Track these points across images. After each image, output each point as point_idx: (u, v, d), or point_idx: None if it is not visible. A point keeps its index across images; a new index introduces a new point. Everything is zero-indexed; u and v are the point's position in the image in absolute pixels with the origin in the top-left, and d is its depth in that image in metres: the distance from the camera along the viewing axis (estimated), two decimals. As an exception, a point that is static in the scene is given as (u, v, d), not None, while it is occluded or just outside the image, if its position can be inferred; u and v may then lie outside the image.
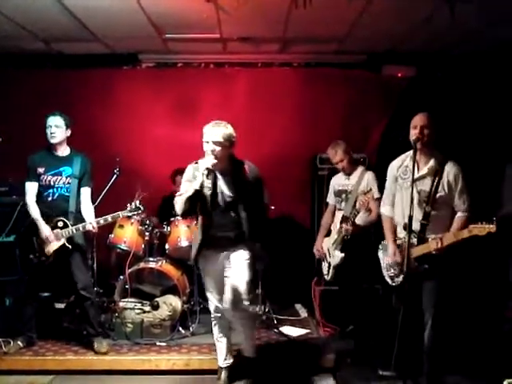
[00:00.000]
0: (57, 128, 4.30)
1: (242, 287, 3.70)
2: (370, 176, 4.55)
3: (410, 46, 5.30)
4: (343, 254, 4.46)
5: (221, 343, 3.96)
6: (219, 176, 3.72)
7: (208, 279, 3.86)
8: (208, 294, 3.90)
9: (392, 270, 3.82)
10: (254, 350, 4.00)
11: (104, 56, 5.72)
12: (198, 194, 3.61)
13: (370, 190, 4.30)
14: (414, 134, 3.62)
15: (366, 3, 4.18)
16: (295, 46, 5.47)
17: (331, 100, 5.93)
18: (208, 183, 3.62)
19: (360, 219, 4.42)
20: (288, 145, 5.97)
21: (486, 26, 4.56)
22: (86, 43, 5.26)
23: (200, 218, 3.82)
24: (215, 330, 3.95)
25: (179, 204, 3.67)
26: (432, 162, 3.64)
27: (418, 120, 3.65)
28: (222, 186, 3.71)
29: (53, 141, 4.31)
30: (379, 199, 4.22)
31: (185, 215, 3.93)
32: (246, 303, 3.74)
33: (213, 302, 3.87)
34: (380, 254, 3.97)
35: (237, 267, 3.72)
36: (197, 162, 3.66)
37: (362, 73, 5.86)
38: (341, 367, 4.25)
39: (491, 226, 3.23)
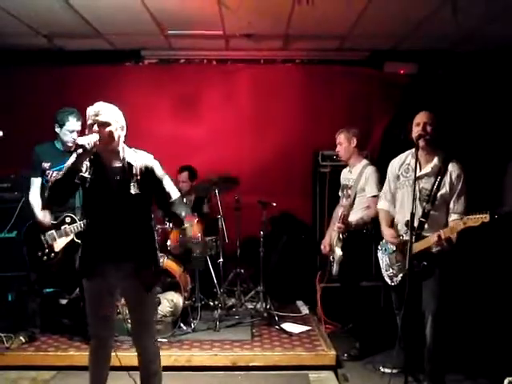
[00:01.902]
0: (77, 133, 4.32)
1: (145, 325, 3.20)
2: (369, 172, 4.37)
3: (412, 43, 5.29)
4: (341, 253, 4.42)
5: None
6: (106, 166, 3.01)
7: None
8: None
9: (391, 270, 3.81)
10: None
11: (107, 52, 5.73)
12: (73, 178, 2.85)
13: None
14: (416, 131, 3.61)
15: (367, 1, 4.17)
16: (298, 43, 5.47)
17: (334, 97, 5.93)
18: (86, 169, 2.93)
19: (352, 216, 4.39)
20: (290, 141, 5.97)
21: (487, 23, 4.55)
22: (88, 39, 5.27)
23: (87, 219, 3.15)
24: None
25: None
26: (436, 161, 3.61)
27: (421, 117, 3.64)
28: (107, 178, 2.99)
29: (71, 144, 4.33)
30: (375, 197, 4.21)
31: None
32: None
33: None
34: (379, 254, 3.95)
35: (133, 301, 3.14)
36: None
37: (365, 70, 5.86)
38: (342, 364, 4.26)
39: (484, 215, 3.21)
